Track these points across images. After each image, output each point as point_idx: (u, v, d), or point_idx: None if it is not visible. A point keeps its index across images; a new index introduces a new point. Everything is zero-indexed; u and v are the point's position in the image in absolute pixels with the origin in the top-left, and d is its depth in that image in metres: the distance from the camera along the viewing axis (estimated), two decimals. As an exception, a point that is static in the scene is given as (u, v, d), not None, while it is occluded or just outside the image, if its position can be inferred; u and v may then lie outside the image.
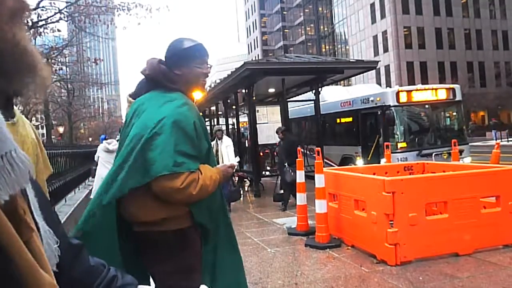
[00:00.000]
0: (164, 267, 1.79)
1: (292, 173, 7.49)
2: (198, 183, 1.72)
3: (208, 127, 16.68)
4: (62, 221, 4.34)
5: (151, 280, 1.89)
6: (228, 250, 2.03)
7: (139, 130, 1.77)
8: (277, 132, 8.39)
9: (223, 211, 2.04)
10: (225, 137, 8.12)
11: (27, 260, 0.57)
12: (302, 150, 7.41)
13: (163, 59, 1.94)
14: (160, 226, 1.77)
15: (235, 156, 7.87)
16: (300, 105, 13.10)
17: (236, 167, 7.47)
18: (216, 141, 7.78)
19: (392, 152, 8.37)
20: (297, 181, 5.88)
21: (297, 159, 6.08)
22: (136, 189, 1.71)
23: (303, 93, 11.97)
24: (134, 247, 1.86)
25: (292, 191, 7.68)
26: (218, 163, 7.20)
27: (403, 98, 9.71)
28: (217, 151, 7.64)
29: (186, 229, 1.80)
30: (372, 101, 10.25)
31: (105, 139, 7.64)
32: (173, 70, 1.88)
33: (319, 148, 5.48)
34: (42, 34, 12.15)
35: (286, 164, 7.86)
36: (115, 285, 0.82)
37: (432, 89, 10.20)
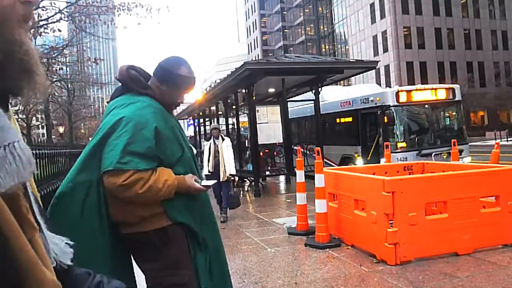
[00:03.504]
0: (152, 265, 1.88)
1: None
2: (146, 183, 1.76)
3: (208, 127, 16.68)
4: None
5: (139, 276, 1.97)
6: (216, 258, 2.06)
7: (101, 127, 1.87)
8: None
9: (208, 215, 2.08)
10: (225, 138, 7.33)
11: (28, 255, 0.57)
12: (302, 150, 7.40)
13: (160, 61, 2.03)
14: (142, 227, 1.84)
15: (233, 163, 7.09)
16: (300, 105, 13.11)
17: (232, 177, 7.01)
18: (214, 140, 6.98)
19: (391, 152, 8.39)
20: (297, 180, 5.88)
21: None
22: None
23: (303, 93, 11.97)
24: (123, 248, 1.92)
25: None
26: (219, 163, 6.96)
27: (403, 98, 9.73)
28: (216, 151, 6.86)
29: (168, 227, 1.86)
30: (372, 101, 10.26)
31: None
32: (157, 79, 1.97)
33: (319, 148, 5.48)
34: (43, 34, 12.14)
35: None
36: None
37: (432, 89, 10.21)
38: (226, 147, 6.93)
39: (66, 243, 0.70)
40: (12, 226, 0.56)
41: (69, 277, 0.78)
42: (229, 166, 6.87)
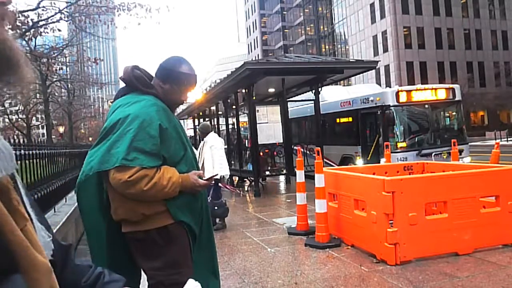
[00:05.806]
0: (153, 263, 1.89)
1: None
2: (151, 180, 1.79)
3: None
4: (62, 221, 4.34)
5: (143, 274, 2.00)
6: (208, 255, 2.11)
7: (106, 124, 1.90)
8: None
9: (206, 216, 2.11)
10: (210, 135, 6.35)
11: (21, 240, 0.58)
12: (302, 150, 7.39)
13: (161, 61, 2.06)
14: (144, 225, 1.86)
15: (220, 163, 6.15)
16: (300, 105, 13.12)
17: (221, 177, 6.36)
18: (204, 142, 6.35)
19: (391, 152, 8.39)
20: (297, 180, 5.87)
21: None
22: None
23: (303, 93, 11.98)
24: (125, 246, 1.95)
25: None
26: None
27: (403, 98, 9.74)
28: (199, 154, 6.15)
29: (169, 226, 1.88)
30: (372, 101, 10.26)
31: None
32: (159, 79, 2.00)
33: (319, 148, 5.48)
34: (43, 34, 12.16)
35: None
36: (102, 281, 0.83)
37: (432, 89, 10.22)
38: (208, 149, 6.10)
39: (52, 240, 0.71)
40: (2, 212, 0.57)
41: (70, 266, 0.78)
42: (208, 170, 5.84)
